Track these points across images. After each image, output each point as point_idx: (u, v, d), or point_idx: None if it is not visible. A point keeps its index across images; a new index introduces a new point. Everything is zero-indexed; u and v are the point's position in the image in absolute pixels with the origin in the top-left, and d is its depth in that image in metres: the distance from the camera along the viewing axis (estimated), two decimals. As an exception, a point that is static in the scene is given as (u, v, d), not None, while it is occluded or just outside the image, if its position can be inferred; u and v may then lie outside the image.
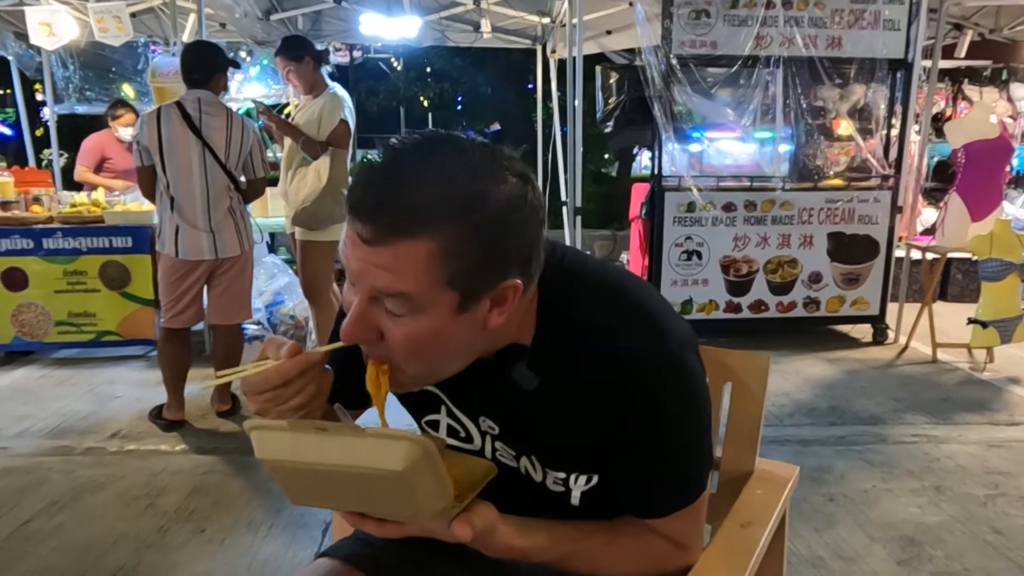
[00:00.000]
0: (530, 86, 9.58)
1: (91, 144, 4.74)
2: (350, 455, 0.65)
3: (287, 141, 3.24)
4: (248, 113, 5.63)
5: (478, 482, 0.77)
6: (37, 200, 4.00)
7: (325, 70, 3.30)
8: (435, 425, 0.94)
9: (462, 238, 0.66)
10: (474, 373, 0.80)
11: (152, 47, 5.88)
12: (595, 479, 0.86)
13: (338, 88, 3.24)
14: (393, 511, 0.72)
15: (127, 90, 5.97)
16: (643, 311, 0.81)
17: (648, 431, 0.79)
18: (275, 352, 0.73)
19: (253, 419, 0.69)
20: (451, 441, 0.94)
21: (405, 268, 0.66)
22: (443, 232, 0.65)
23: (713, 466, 0.88)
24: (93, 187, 4.43)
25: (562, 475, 0.86)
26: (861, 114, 4.19)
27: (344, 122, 3.13)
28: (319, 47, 3.39)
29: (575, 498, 0.87)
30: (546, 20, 5.79)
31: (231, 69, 3.03)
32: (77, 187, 4.74)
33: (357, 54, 6.89)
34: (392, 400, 0.88)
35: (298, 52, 3.14)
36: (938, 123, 5.63)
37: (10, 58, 5.53)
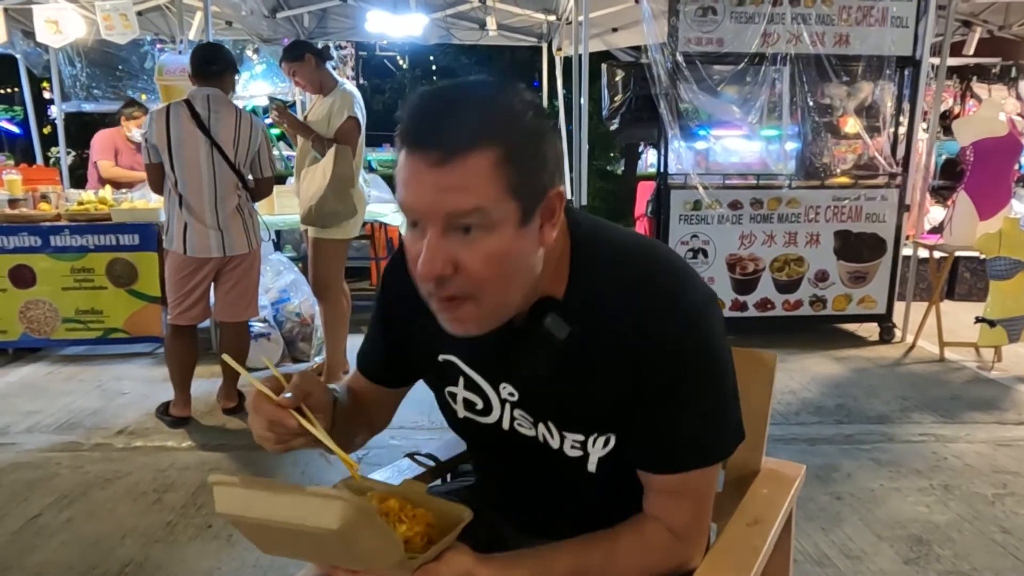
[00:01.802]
0: (536, 84, 9.57)
1: (103, 140, 4.77)
2: (294, 513, 0.68)
3: (301, 140, 3.24)
4: (255, 111, 5.64)
5: (451, 527, 0.79)
6: (45, 198, 4.02)
7: (331, 65, 3.29)
8: (454, 397, 0.95)
9: (515, 145, 0.73)
10: (502, 335, 0.82)
11: (158, 45, 5.90)
12: (612, 441, 0.86)
13: (348, 84, 3.23)
14: (347, 563, 0.75)
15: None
16: (670, 269, 0.84)
17: (671, 381, 0.81)
18: (293, 389, 0.81)
19: (214, 475, 0.73)
20: (467, 414, 0.95)
21: (475, 182, 0.71)
22: (499, 142, 0.72)
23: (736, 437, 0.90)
24: (115, 184, 4.44)
25: (580, 438, 0.87)
26: (868, 112, 4.17)
27: (352, 118, 3.11)
28: (322, 45, 3.38)
29: (592, 464, 0.88)
30: (552, 18, 5.78)
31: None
32: (84, 184, 4.76)
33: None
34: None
35: (297, 51, 3.14)
36: (946, 121, 5.60)
37: (18, 56, 5.56)
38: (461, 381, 0.93)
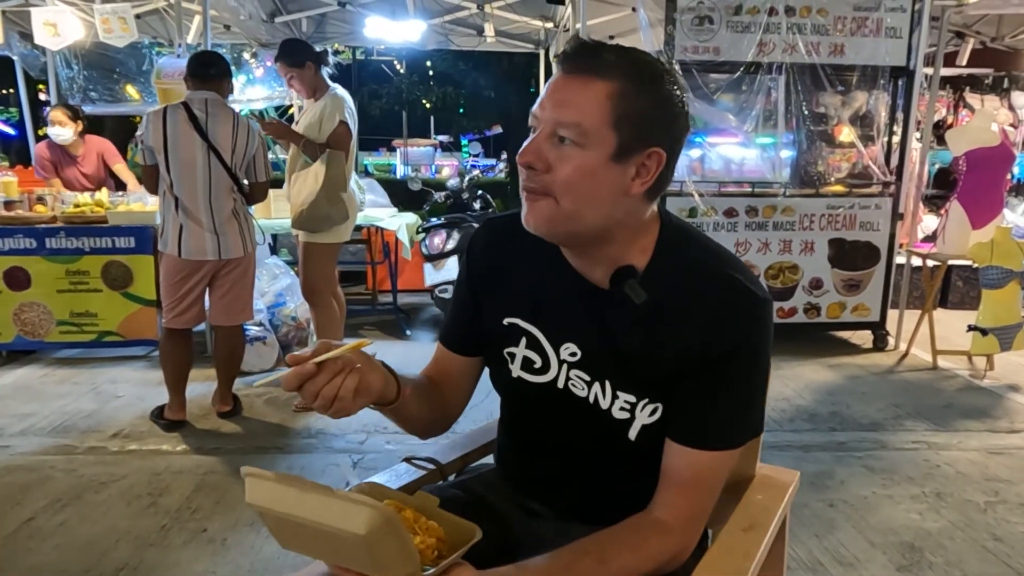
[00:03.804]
0: (532, 89, 9.61)
1: (40, 159, 4.52)
2: (322, 513, 0.71)
3: (292, 145, 3.25)
4: (253, 113, 5.63)
5: (461, 543, 0.81)
6: (40, 200, 4.01)
7: (326, 71, 3.30)
8: (512, 357, 1.01)
9: (635, 91, 0.85)
10: (579, 299, 0.95)
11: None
12: (659, 412, 0.93)
13: (339, 89, 3.24)
14: (363, 568, 0.77)
15: (131, 91, 5.99)
16: (742, 268, 0.94)
17: (726, 357, 0.89)
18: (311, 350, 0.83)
19: (248, 467, 0.76)
20: (521, 373, 1.00)
21: (586, 102, 0.84)
22: (623, 81, 0.85)
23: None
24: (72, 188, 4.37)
25: (632, 399, 0.94)
26: (863, 121, 4.20)
27: (343, 123, 3.12)
28: (320, 49, 3.38)
29: (634, 431, 0.94)
30: (549, 25, 5.81)
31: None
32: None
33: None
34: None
35: (299, 58, 3.14)
36: (939, 130, 5.65)
37: (15, 58, 5.55)
38: (523, 341, 1.00)
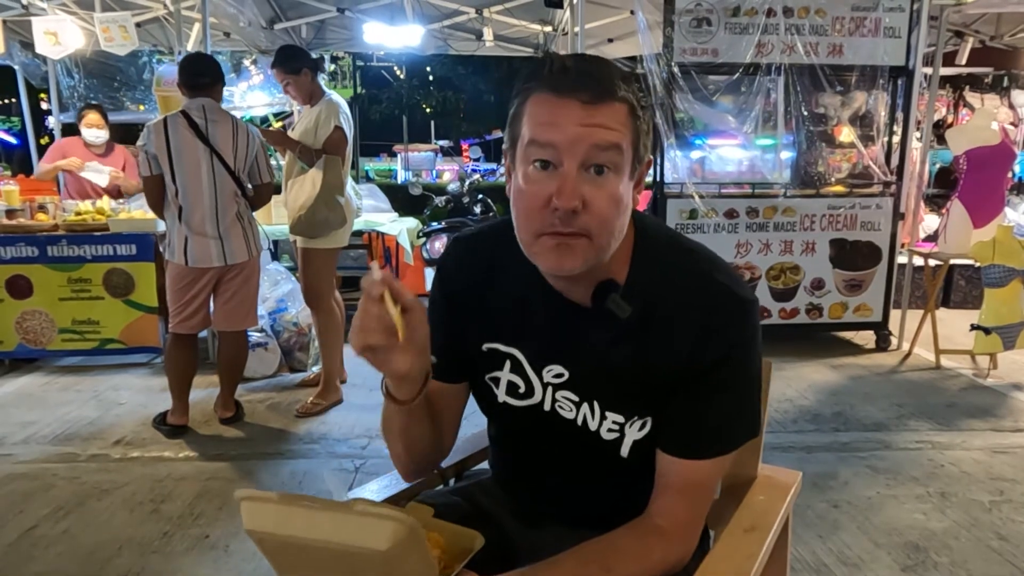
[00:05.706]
0: (532, 94, 9.60)
1: (53, 148, 4.56)
2: (337, 531, 0.66)
3: (289, 151, 3.26)
4: (253, 121, 5.65)
5: (465, 553, 0.79)
6: (42, 208, 4.03)
7: (322, 78, 3.31)
8: (496, 382, 0.98)
9: (639, 107, 0.84)
10: (561, 318, 0.91)
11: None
12: (649, 425, 0.91)
13: (334, 95, 3.25)
14: None
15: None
16: (724, 268, 0.92)
17: (717, 364, 0.87)
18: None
19: (243, 490, 0.70)
20: (507, 398, 0.97)
21: (617, 123, 0.81)
22: (632, 99, 0.83)
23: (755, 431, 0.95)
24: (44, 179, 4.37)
25: (621, 419, 0.92)
26: (863, 121, 4.20)
27: (339, 128, 3.13)
28: (317, 56, 3.40)
29: (625, 448, 0.93)
30: (548, 28, 5.82)
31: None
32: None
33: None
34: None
35: (296, 64, 3.15)
36: (940, 130, 5.64)
37: (16, 67, 5.58)
38: (507, 365, 0.97)
